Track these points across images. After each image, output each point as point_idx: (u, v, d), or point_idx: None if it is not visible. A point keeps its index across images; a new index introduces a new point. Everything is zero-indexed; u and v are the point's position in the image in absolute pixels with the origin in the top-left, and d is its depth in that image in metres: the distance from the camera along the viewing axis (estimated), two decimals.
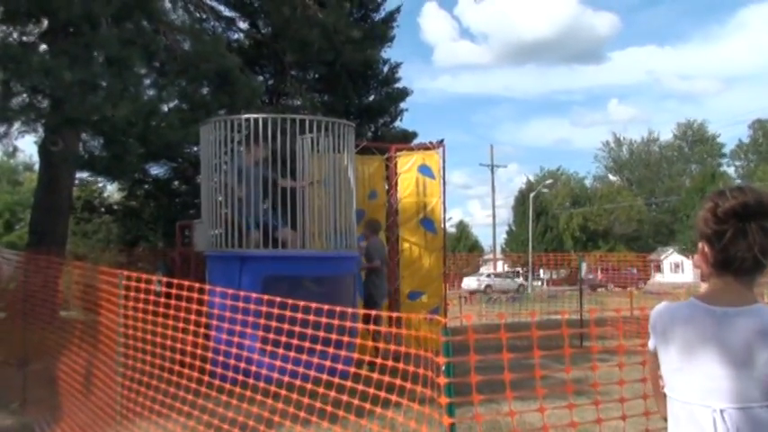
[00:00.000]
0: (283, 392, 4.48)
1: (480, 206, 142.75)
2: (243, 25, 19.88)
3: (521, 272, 50.65)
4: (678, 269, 61.23)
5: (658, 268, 59.45)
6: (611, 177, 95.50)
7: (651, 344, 2.27)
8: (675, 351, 2.15)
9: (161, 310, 5.09)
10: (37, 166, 18.24)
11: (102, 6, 11.18)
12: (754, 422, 2.01)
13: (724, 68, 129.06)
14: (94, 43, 11.44)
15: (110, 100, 10.83)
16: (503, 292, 31.95)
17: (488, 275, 44.86)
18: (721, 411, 2.03)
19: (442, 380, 3.27)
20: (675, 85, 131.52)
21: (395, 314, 5.31)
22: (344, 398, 4.04)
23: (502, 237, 73.59)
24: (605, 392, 4.22)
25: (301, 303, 4.30)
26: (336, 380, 4.18)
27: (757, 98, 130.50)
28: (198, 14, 17.36)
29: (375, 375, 3.90)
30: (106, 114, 10.70)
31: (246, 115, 9.54)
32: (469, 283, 44.36)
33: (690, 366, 2.11)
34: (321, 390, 4.22)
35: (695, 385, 2.09)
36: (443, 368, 3.26)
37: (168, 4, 15.24)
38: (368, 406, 3.92)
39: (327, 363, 4.25)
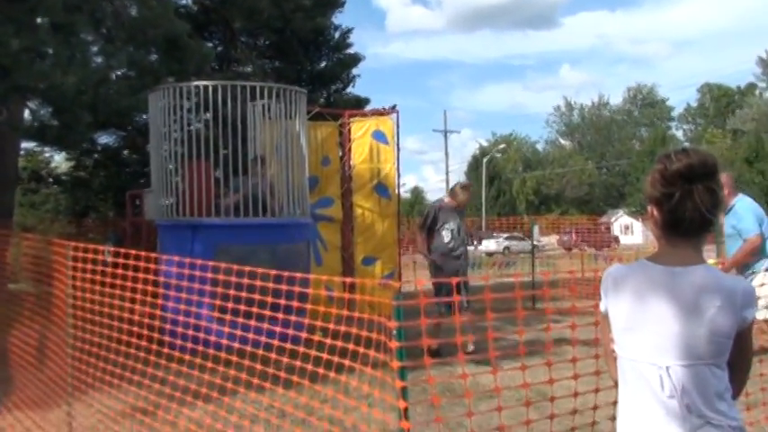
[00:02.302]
0: (235, 359, 4.48)
1: (434, 171, 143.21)
2: None
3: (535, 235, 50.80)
4: (628, 231, 62.41)
5: (608, 230, 60.53)
6: (563, 141, 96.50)
7: (602, 306, 2.33)
8: (625, 311, 2.20)
9: (110, 280, 5.03)
10: None
11: None
12: (699, 379, 2.07)
13: (674, 32, 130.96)
14: (39, 9, 11.10)
15: (58, 67, 10.56)
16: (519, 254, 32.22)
17: (506, 237, 45.12)
18: (667, 368, 2.09)
19: (394, 344, 3.30)
20: (627, 50, 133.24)
21: (348, 279, 5.33)
22: (298, 363, 4.05)
23: None
24: (557, 353, 4.31)
25: (258, 270, 4.28)
26: (289, 345, 4.19)
27: (706, 62, 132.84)
28: None
29: (328, 341, 3.92)
30: (55, 82, 10.42)
31: (196, 82, 9.40)
32: (488, 245, 44.73)
33: (638, 325, 2.16)
34: (274, 356, 4.23)
35: (643, 343, 2.14)
36: (395, 332, 3.28)
37: None
38: (321, 371, 3.94)
39: (278, 329, 4.25)
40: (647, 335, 2.14)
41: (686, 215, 2.11)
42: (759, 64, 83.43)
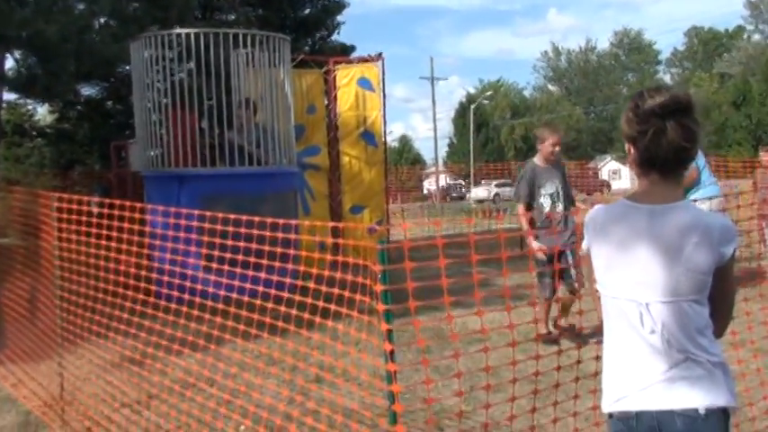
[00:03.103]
0: (222, 308, 4.50)
1: (422, 120, 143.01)
2: None
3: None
4: (616, 176, 62.62)
5: (596, 176, 60.75)
6: (551, 87, 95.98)
7: (584, 245, 2.35)
8: (607, 249, 2.23)
9: (96, 231, 5.02)
10: None
11: None
12: (679, 315, 2.10)
13: None
14: None
15: (39, 14, 10.37)
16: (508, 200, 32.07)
17: (496, 185, 44.97)
18: (647, 305, 2.12)
19: (379, 287, 3.32)
20: None
21: (334, 224, 5.35)
22: (283, 309, 4.07)
23: (444, 150, 73.95)
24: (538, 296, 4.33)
25: (244, 218, 4.28)
26: (274, 292, 4.21)
27: (694, 5, 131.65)
28: None
29: (312, 285, 3.93)
30: (38, 29, 10.24)
31: (178, 30, 9.26)
32: (478, 192, 44.49)
33: (619, 263, 2.19)
34: (259, 302, 4.25)
35: (625, 281, 2.17)
36: (379, 276, 3.30)
37: None
38: (309, 317, 3.97)
39: (263, 275, 4.26)
40: (627, 272, 2.16)
41: (660, 152, 2.12)
42: (747, 6, 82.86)
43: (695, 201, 8.38)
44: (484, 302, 3.73)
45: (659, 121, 2.11)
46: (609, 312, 2.25)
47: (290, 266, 4.15)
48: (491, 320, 4.66)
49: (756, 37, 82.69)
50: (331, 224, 4.76)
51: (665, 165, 2.15)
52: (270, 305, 4.13)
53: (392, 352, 3.29)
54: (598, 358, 3.36)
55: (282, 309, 4.04)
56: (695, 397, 2.09)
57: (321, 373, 4.49)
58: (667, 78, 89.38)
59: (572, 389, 4.00)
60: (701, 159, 8.39)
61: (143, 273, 5.02)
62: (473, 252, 3.68)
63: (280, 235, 4.06)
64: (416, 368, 4.35)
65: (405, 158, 76.07)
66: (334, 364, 4.31)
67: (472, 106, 63.45)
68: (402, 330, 4.00)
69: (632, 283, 2.15)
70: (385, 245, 3.37)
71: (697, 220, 2.11)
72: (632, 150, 2.20)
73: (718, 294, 2.16)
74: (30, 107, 23.22)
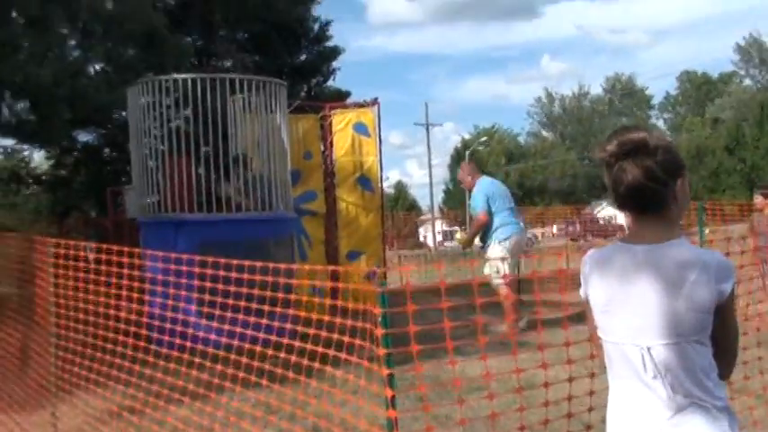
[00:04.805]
0: (222, 355, 4.43)
1: (418, 166, 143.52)
2: None
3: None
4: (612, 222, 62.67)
5: (593, 221, 60.86)
6: (545, 133, 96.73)
7: (582, 292, 2.31)
8: (604, 294, 2.19)
9: (93, 276, 4.96)
10: None
11: None
12: (682, 357, 2.05)
13: (652, 22, 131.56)
14: (13, 3, 10.98)
15: (33, 60, 10.44)
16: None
17: None
18: (648, 348, 2.07)
19: (379, 331, 3.27)
20: (606, 39, 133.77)
21: (334, 268, 5.30)
22: (282, 355, 4.01)
23: (440, 196, 74.19)
24: (547, 341, 4.24)
25: (245, 263, 4.23)
26: (274, 338, 4.14)
27: (685, 50, 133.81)
28: None
29: (312, 331, 3.87)
30: (31, 74, 10.31)
31: (175, 76, 9.29)
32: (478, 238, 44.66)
33: (618, 307, 2.15)
34: (259, 348, 4.19)
35: (624, 325, 2.13)
36: (380, 319, 3.25)
37: None
38: (307, 363, 3.90)
39: (264, 321, 4.21)
40: (627, 316, 2.13)
41: (624, 191, 2.14)
42: (737, 51, 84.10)
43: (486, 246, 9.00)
44: (485, 348, 3.67)
45: (619, 162, 2.13)
46: (611, 358, 2.21)
47: (289, 312, 4.09)
48: (491, 367, 4.57)
49: (747, 82, 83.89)
50: (331, 268, 4.69)
51: (637, 205, 2.17)
52: (270, 351, 4.06)
53: (393, 398, 3.22)
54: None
55: (282, 355, 3.97)
56: None
57: (318, 422, 4.40)
58: (660, 123, 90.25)
59: None
60: (498, 201, 9.02)
61: (141, 319, 4.95)
62: (476, 296, 3.62)
63: (281, 280, 4.02)
64: (415, 416, 4.25)
65: (401, 205, 76.18)
66: (333, 412, 4.22)
67: (467, 152, 63.81)
68: (402, 378, 3.92)
69: (632, 327, 2.11)
70: (385, 288, 3.32)
71: (694, 257, 2.08)
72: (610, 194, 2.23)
73: (720, 333, 2.11)
74: (26, 153, 23.25)
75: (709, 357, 2.10)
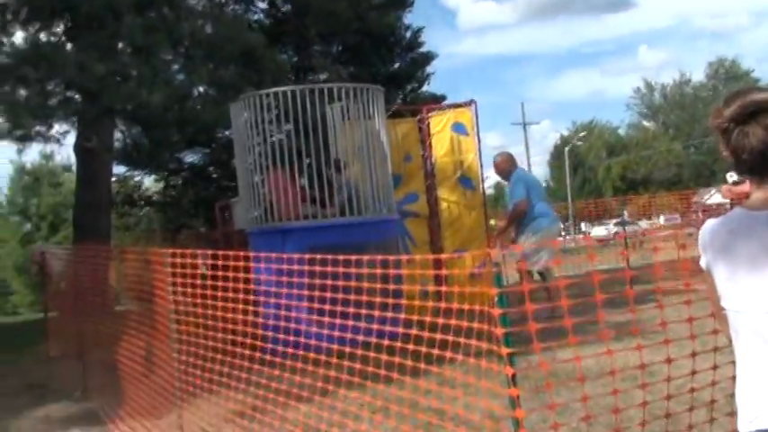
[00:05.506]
0: (335, 361, 4.47)
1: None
2: (262, 5, 19.86)
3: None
4: (721, 208, 60.28)
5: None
6: (646, 124, 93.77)
7: (703, 262, 2.22)
8: (726, 263, 2.10)
9: (212, 282, 5.10)
10: (75, 167, 18.51)
11: None
12: None
13: (754, 3, 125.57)
14: (119, 34, 11.54)
15: (143, 87, 10.93)
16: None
17: (615, 224, 45.31)
18: None
19: (500, 330, 3.21)
20: (706, 24, 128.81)
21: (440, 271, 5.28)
22: (397, 359, 4.00)
23: None
24: (663, 332, 4.08)
25: (352, 258, 4.26)
26: (387, 342, 4.14)
27: None
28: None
29: (426, 334, 3.85)
30: (142, 101, 10.80)
31: (275, 89, 9.50)
32: (598, 231, 44.94)
33: (742, 274, 2.06)
34: (372, 354, 4.20)
35: (750, 293, 2.04)
36: (499, 319, 3.19)
37: None
38: (422, 366, 3.88)
39: (375, 326, 4.22)
40: (751, 284, 2.03)
41: (748, 156, 2.06)
42: None
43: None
44: (595, 342, 3.55)
45: (739, 127, 2.06)
46: (737, 329, 2.10)
47: (401, 315, 4.09)
48: (611, 360, 4.43)
49: None
50: (433, 256, 4.67)
51: (763, 167, 2.07)
52: (384, 356, 4.07)
53: (518, 397, 3.16)
54: (733, 395, 3.13)
55: (396, 359, 3.97)
56: None
57: (440, 421, 4.37)
58: None
59: (707, 429, 3.77)
60: (534, 190, 9.21)
61: (255, 328, 5.05)
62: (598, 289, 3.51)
63: (391, 271, 4.02)
64: (532, 411, 4.15)
65: (501, 204, 75.50)
66: (449, 410, 4.19)
67: (567, 148, 62.69)
68: (523, 374, 3.86)
69: (759, 295, 2.01)
70: (503, 288, 3.27)
71: None
72: (730, 157, 2.14)
73: None
74: (137, 178, 24.33)
75: None
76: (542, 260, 9.28)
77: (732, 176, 9.58)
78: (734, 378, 2.20)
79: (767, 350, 2.02)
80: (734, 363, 2.21)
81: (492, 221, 9.80)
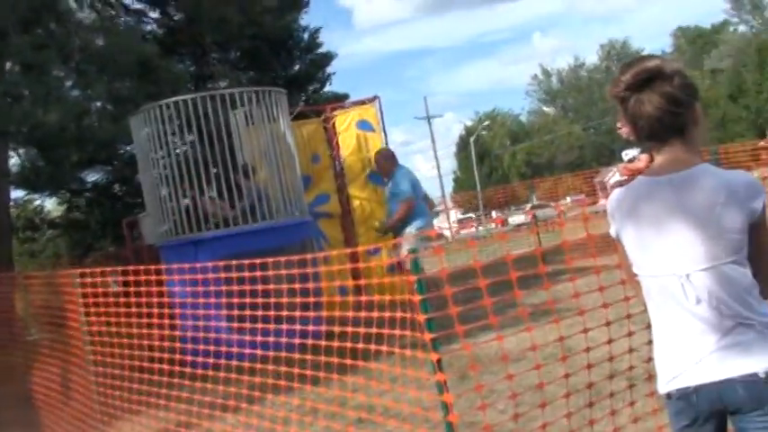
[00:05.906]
0: (259, 366, 4.41)
1: (424, 159, 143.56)
2: (154, 15, 19.39)
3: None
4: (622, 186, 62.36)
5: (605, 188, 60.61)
6: (546, 109, 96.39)
7: (613, 231, 2.30)
8: (638, 229, 2.18)
9: (125, 300, 4.95)
10: None
11: (5, 15, 10.78)
12: (722, 279, 2.05)
13: None
14: (6, 52, 11.05)
15: (37, 106, 10.51)
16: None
17: (532, 207, 46.13)
18: (687, 276, 2.07)
19: (421, 317, 3.23)
20: (594, 8, 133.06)
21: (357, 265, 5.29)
22: (322, 358, 3.98)
23: (450, 186, 74.09)
24: (575, 307, 4.17)
25: (269, 260, 4.21)
26: (310, 342, 4.11)
27: (675, 6, 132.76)
28: (107, 12, 16.91)
29: (349, 329, 3.84)
30: (37, 121, 10.37)
31: (175, 98, 9.28)
32: (516, 219, 45.92)
33: (650, 240, 2.14)
34: (297, 356, 4.16)
35: (658, 257, 2.13)
36: (419, 304, 3.21)
37: (74, 4, 14.75)
38: (349, 362, 3.87)
39: (297, 327, 4.19)
40: (662, 248, 2.12)
41: (645, 122, 2.12)
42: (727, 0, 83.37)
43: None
44: (514, 322, 3.61)
45: (635, 94, 2.12)
46: (650, 293, 2.19)
47: (323, 313, 4.07)
48: (526, 340, 4.53)
49: (742, 28, 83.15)
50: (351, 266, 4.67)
51: (659, 134, 2.14)
52: (308, 356, 4.03)
53: (445, 382, 3.19)
54: (649, 360, 3.25)
55: (322, 358, 3.94)
56: (753, 362, 2.02)
57: (370, 416, 4.37)
58: None
59: (628, 396, 3.89)
60: (417, 188, 9.08)
61: (174, 338, 4.94)
62: (511, 270, 3.57)
63: (309, 270, 3.99)
64: (460, 396, 4.20)
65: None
66: (378, 404, 4.19)
67: (471, 139, 63.72)
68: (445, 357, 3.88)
69: (669, 258, 2.10)
70: (421, 274, 3.29)
71: (720, 180, 2.07)
72: (628, 128, 2.21)
73: (756, 252, 2.10)
74: (37, 201, 23.42)
75: (749, 277, 2.09)
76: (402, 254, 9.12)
77: (627, 155, 9.78)
78: (650, 343, 2.28)
79: (680, 312, 2.10)
80: (648, 329, 2.29)
81: (375, 223, 9.51)
